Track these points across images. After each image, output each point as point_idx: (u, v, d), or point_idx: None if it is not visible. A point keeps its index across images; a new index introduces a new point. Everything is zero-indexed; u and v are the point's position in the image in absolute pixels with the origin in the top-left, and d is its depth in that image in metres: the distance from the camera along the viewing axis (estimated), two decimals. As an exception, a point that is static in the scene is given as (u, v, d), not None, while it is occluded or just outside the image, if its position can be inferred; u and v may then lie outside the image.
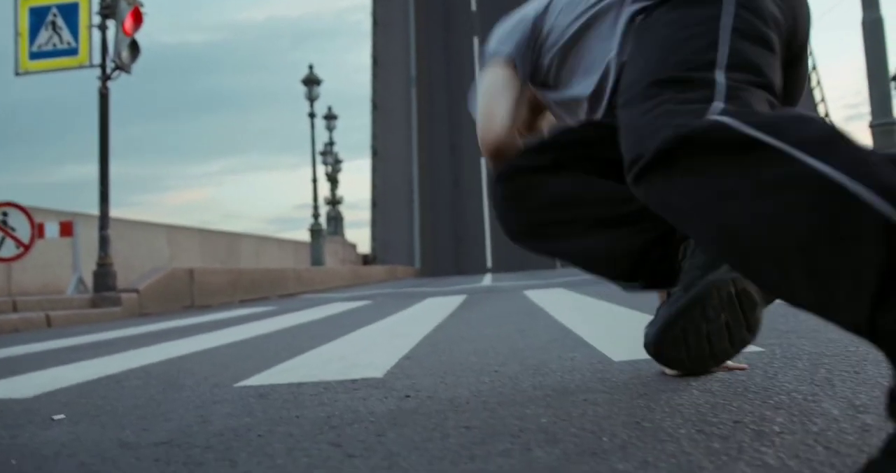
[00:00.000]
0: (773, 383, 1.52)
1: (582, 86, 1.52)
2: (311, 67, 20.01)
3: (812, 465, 0.94)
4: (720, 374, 1.65)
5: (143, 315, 7.50)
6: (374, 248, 31.59)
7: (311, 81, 20.01)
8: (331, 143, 29.76)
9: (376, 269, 23.09)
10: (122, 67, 8.98)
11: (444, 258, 31.24)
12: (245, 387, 2.02)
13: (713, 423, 1.21)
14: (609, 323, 3.12)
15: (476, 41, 35.11)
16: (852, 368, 1.62)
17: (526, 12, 1.62)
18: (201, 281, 8.94)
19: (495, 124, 1.49)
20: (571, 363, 2.04)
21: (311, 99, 19.88)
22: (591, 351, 2.26)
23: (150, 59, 12.45)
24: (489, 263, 31.13)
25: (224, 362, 2.71)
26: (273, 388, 1.97)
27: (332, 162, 30.10)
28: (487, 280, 14.37)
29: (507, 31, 1.61)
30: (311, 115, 20.03)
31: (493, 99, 1.52)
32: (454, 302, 6.23)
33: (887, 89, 10.81)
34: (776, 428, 1.14)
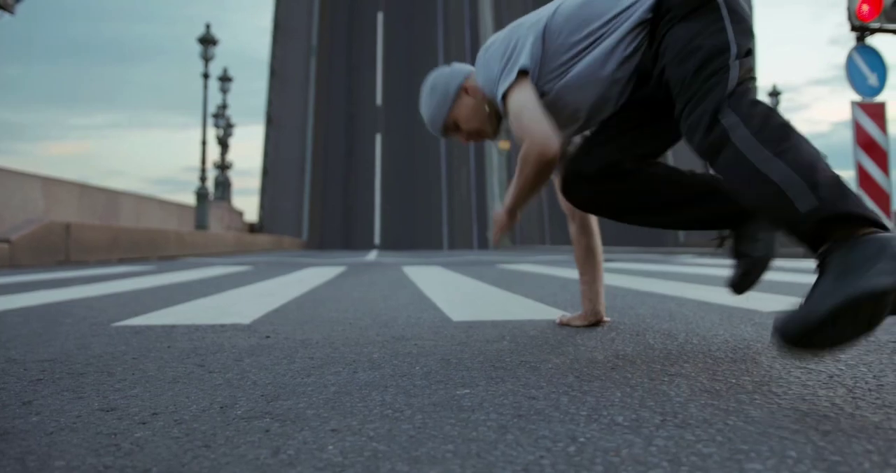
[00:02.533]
0: (569, 340, 1.88)
1: (583, 98, 1.79)
2: (207, 26, 19.57)
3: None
4: (532, 333, 2.01)
5: (13, 267, 7.37)
6: (261, 217, 31.21)
7: (207, 41, 19.57)
8: (224, 106, 29.10)
9: (262, 238, 22.91)
10: (4, 7, 8.66)
11: (333, 232, 31.27)
12: (122, 326, 2.23)
13: (505, 361, 1.54)
14: (465, 295, 3.46)
15: (381, 16, 35.06)
16: (636, 333, 2.00)
17: (535, 26, 1.80)
18: (78, 237, 8.79)
19: (553, 140, 1.69)
20: (416, 320, 2.35)
21: (206, 59, 19.47)
22: (437, 313, 2.59)
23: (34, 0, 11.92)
24: (377, 240, 31.38)
25: (102, 307, 2.88)
26: (148, 328, 2.19)
27: (223, 125, 29.44)
28: (372, 256, 14.63)
29: (529, 45, 1.78)
30: (205, 76, 19.62)
31: (541, 116, 1.71)
32: (333, 271, 6.47)
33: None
34: (549, 366, 1.49)
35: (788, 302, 2.82)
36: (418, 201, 32.24)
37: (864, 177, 9.25)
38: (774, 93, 30.89)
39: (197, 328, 2.18)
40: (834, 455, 0.86)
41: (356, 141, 33.26)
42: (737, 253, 1.80)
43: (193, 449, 0.92)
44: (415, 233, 30.73)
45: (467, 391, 1.24)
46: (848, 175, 9.37)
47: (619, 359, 1.55)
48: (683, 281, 4.38)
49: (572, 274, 5.41)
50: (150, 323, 2.32)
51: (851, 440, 0.92)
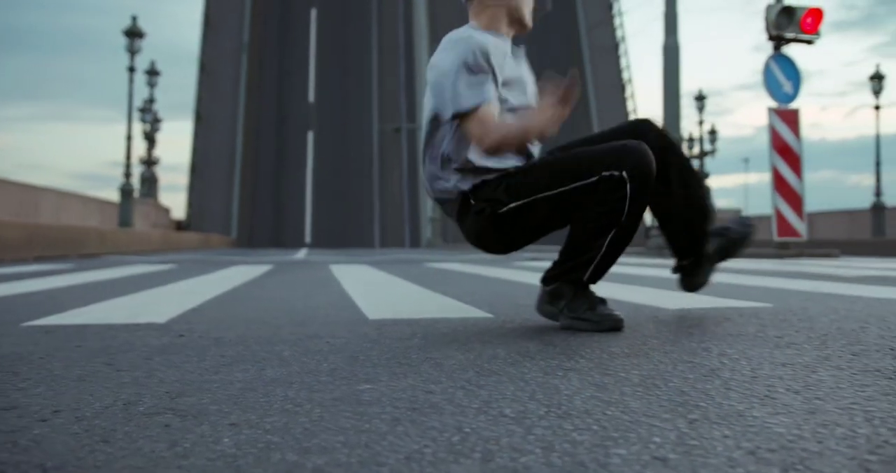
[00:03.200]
0: (477, 336, 1.95)
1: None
2: (134, 19, 19.09)
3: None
4: (443, 330, 2.07)
5: (-77, 264, 7.09)
6: (189, 215, 30.60)
7: (134, 33, 19.08)
8: (151, 101, 28.41)
9: (189, 236, 22.49)
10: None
11: (263, 230, 30.88)
12: (32, 326, 2.21)
13: (412, 358, 1.60)
14: (386, 294, 3.51)
15: (314, 13, 34.75)
16: (540, 329, 2.08)
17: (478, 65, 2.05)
18: (-7, 234, 8.50)
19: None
20: (333, 318, 2.39)
21: (133, 52, 18.99)
22: (355, 311, 2.63)
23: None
24: (308, 238, 31.12)
25: (12, 307, 2.83)
26: (59, 327, 2.17)
27: (150, 120, 28.75)
28: (302, 254, 14.54)
29: (479, 83, 2.03)
30: (131, 70, 19.14)
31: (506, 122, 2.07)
32: (259, 270, 6.43)
33: (677, 109, 12.06)
34: (452, 362, 1.55)
35: (693, 301, 2.95)
36: (350, 199, 32.11)
37: (779, 180, 9.65)
38: (700, 98, 31.84)
39: (110, 327, 2.17)
40: (693, 440, 0.94)
41: (287, 138, 32.90)
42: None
43: (91, 445, 0.94)
44: (346, 231, 30.60)
45: (369, 386, 1.29)
46: (769, 177, 9.72)
47: (520, 356, 1.62)
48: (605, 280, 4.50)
49: (495, 272, 5.51)
50: (61, 322, 2.29)
51: (713, 426, 1.01)
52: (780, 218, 9.57)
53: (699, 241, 2.32)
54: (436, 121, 2.11)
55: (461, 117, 2.01)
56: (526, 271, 5.70)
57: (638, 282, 4.29)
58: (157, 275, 5.54)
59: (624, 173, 1.96)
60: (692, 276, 2.40)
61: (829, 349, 1.68)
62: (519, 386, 1.29)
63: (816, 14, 9.66)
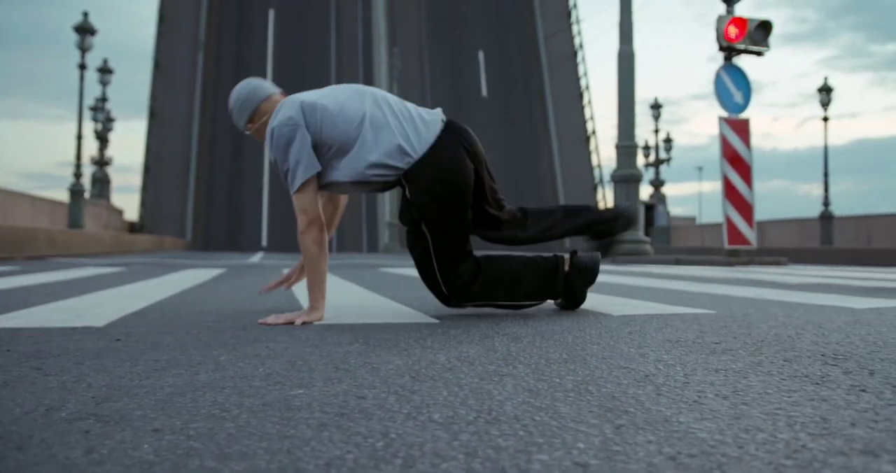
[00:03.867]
0: (418, 343, 1.95)
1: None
2: (85, 14, 18.71)
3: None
4: (386, 335, 2.06)
5: None
6: (142, 216, 30.07)
7: (85, 30, 18.70)
8: (103, 99, 27.91)
9: (142, 238, 22.09)
10: None
11: (218, 232, 30.46)
12: (-37, 329, 2.14)
13: (350, 363, 1.59)
14: (336, 298, 3.48)
15: (272, 13, 34.47)
16: (485, 335, 2.09)
17: (300, 136, 2.45)
18: (-66, 234, 8.25)
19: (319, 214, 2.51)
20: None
21: (84, 49, 18.61)
22: (301, 315, 2.60)
23: None
24: (265, 242, 30.79)
25: (-54, 309, 2.74)
26: (-8, 330, 2.11)
27: (102, 119, 28.27)
28: (257, 258, 14.38)
29: (305, 154, 2.45)
30: (82, 67, 18.77)
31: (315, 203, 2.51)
32: (210, 274, 6.35)
33: (632, 116, 12.21)
34: (390, 367, 1.54)
35: (638, 307, 2.98)
36: (308, 202, 31.85)
37: (729, 188, 9.83)
38: (655, 106, 32.31)
39: (45, 331, 2.12)
40: (617, 446, 0.95)
41: (244, 139, 32.49)
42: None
43: (4, 451, 0.91)
44: (303, 234, 30.30)
45: (301, 391, 1.28)
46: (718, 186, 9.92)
47: (460, 361, 1.62)
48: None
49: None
50: (-5, 325, 2.23)
51: (639, 432, 1.02)
52: (731, 226, 9.75)
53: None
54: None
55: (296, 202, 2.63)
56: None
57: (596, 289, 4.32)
58: (105, 278, 5.42)
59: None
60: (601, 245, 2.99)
61: (763, 355, 1.71)
62: (452, 391, 1.29)
63: (740, 23, 9.84)
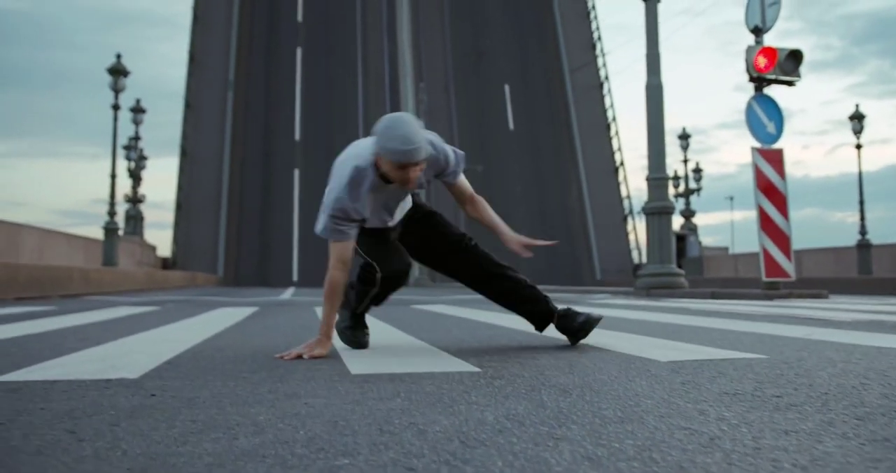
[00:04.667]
0: (464, 397, 1.87)
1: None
2: (118, 56, 19.12)
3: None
4: (428, 388, 1.99)
5: None
6: (175, 252, 30.38)
7: (119, 71, 19.10)
8: (136, 138, 28.39)
9: (175, 275, 22.28)
10: None
11: (249, 268, 30.64)
12: (-3, 383, 2.10)
13: (395, 424, 1.51)
14: (370, 341, 3.42)
15: (300, 52, 35.00)
16: (532, 387, 2.01)
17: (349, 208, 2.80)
18: (-29, 275, 8.35)
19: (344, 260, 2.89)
20: (314, 373, 2.30)
21: (117, 90, 18.99)
22: (337, 364, 2.54)
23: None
24: (295, 277, 30.89)
25: (-19, 359, 2.72)
26: (26, 384, 2.07)
27: (135, 158, 28.71)
28: (288, 293, 14.39)
29: (343, 223, 2.83)
30: (116, 107, 19.14)
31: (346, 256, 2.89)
32: (243, 313, 6.32)
33: (663, 148, 12.12)
34: (437, 429, 1.47)
35: (684, 351, 2.88)
36: (337, 237, 31.95)
37: (765, 219, 9.66)
38: (684, 136, 32.16)
39: (79, 384, 2.07)
40: (699, 534, 0.86)
41: (274, 176, 32.85)
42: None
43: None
44: (333, 269, 30.35)
45: (346, 461, 1.21)
46: (754, 215, 9.73)
47: (509, 420, 1.54)
48: (597, 328, 4.42)
49: (482, 316, 5.42)
50: (28, 378, 2.19)
51: (719, 514, 0.93)
52: (768, 258, 9.56)
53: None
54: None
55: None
56: (512, 315, 5.60)
57: (627, 328, 4.22)
58: (139, 319, 5.42)
59: (379, 274, 3.03)
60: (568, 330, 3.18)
61: (832, 412, 1.61)
62: (507, 460, 1.21)
63: (770, 53, 9.74)
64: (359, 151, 2.82)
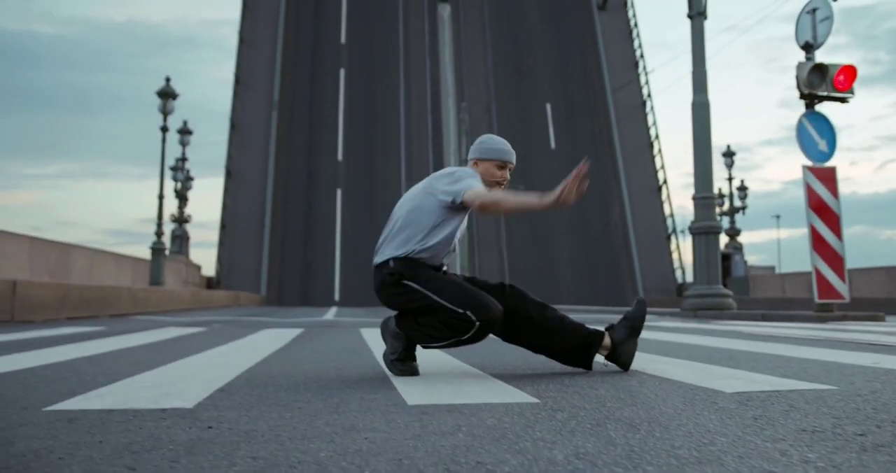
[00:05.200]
0: (528, 432, 1.80)
1: None
2: (167, 80, 19.51)
3: (512, 497, 1.19)
4: (489, 421, 1.93)
5: (-47, 326, 7.07)
6: (219, 272, 30.73)
7: (167, 94, 19.49)
8: (183, 159, 28.94)
9: (219, 294, 22.52)
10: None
11: (292, 287, 30.85)
12: (54, 411, 2.09)
13: (461, 463, 1.46)
14: (421, 369, 3.37)
15: (343, 73, 35.39)
16: (597, 422, 1.93)
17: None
18: (24, 295, 8.51)
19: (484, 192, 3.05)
20: (370, 403, 2.25)
21: (165, 113, 19.37)
22: (392, 393, 2.49)
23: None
24: (337, 296, 31.01)
25: (36, 384, 2.73)
26: (83, 413, 2.06)
27: (182, 178, 29.24)
28: (331, 313, 14.43)
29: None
30: (164, 130, 19.51)
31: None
32: (289, 334, 6.32)
33: (709, 167, 11.94)
34: (506, 469, 1.41)
35: (749, 381, 2.78)
36: (378, 256, 32.02)
37: (817, 239, 9.42)
38: (728, 154, 31.73)
39: (135, 413, 2.05)
40: None
41: (317, 195, 33.14)
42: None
43: None
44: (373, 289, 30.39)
45: (418, 507, 1.15)
46: (806, 232, 9.48)
47: (580, 459, 1.47)
48: (642, 350, 4.32)
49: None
50: (85, 406, 2.18)
51: None
52: (821, 278, 9.31)
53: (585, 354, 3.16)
54: (414, 216, 3.04)
55: (465, 195, 2.96)
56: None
57: (682, 354, 4.11)
58: (187, 340, 5.44)
59: (477, 322, 2.87)
60: (620, 360, 3.18)
61: (925, 454, 1.51)
62: (587, 508, 1.14)
63: (849, 72, 9.56)
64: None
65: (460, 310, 2.87)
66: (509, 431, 1.79)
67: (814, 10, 9.56)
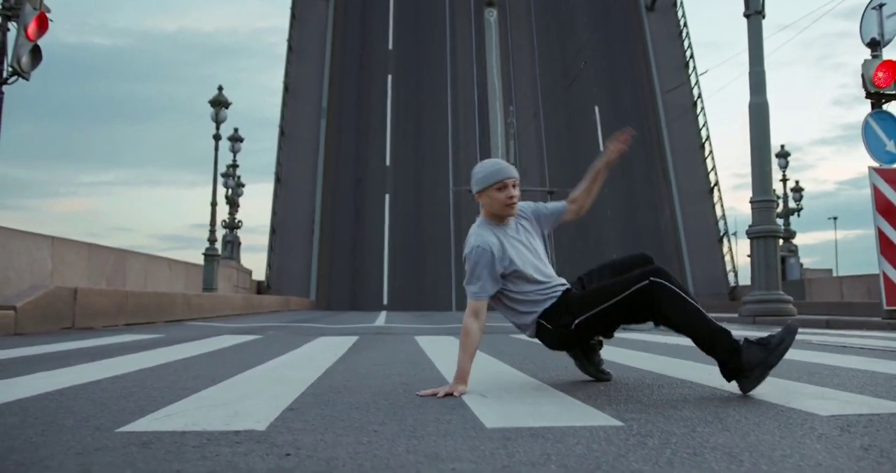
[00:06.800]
0: (622, 462, 1.70)
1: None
2: (220, 89, 19.79)
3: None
4: (578, 449, 1.83)
5: (17, 334, 7.20)
6: (268, 276, 31.07)
7: (220, 103, 19.78)
8: (234, 165, 29.31)
9: (269, 299, 22.74)
10: (20, 73, 8.71)
11: (341, 292, 31.04)
12: (127, 433, 2.05)
13: (560, 500, 1.36)
14: (491, 385, 3.27)
15: (390, 79, 35.54)
16: (693, 450, 1.82)
17: (487, 263, 3.02)
18: (84, 302, 8.64)
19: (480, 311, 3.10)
20: (447, 425, 2.17)
21: (218, 121, 19.65)
22: (467, 414, 2.40)
23: (49, 58, 11.86)
24: (385, 300, 31.10)
25: (105, 401, 2.70)
26: (156, 436, 2.01)
27: (233, 185, 29.61)
28: (381, 319, 14.43)
29: (486, 278, 3.04)
30: (217, 138, 19.78)
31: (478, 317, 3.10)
32: (344, 343, 6.28)
33: (768, 169, 11.64)
34: (612, 509, 1.30)
35: (841, 402, 2.62)
36: (426, 261, 32.10)
37: (885, 243, 9.08)
38: (782, 155, 30.99)
39: (209, 437, 1.99)
40: None
41: (365, 201, 33.32)
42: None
43: None
44: (423, 293, 30.48)
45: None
46: (864, 233, 9.16)
47: (691, 500, 1.36)
48: (693, 359, 4.16)
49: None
50: (157, 427, 2.13)
51: None
52: (890, 284, 8.97)
53: (722, 355, 2.80)
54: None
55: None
56: (623, 348, 5.38)
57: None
58: (244, 349, 5.44)
59: (648, 279, 2.80)
60: (741, 382, 2.79)
61: None
62: None
63: (891, 67, 9.19)
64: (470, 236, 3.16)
65: (629, 291, 2.82)
66: (602, 462, 1.69)
67: (881, 6, 9.24)
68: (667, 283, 2.78)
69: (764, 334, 2.88)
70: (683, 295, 2.80)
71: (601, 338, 3.25)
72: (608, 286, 2.91)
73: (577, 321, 2.93)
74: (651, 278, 2.79)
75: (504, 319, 3.29)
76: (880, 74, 9.13)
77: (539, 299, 3.05)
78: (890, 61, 9.20)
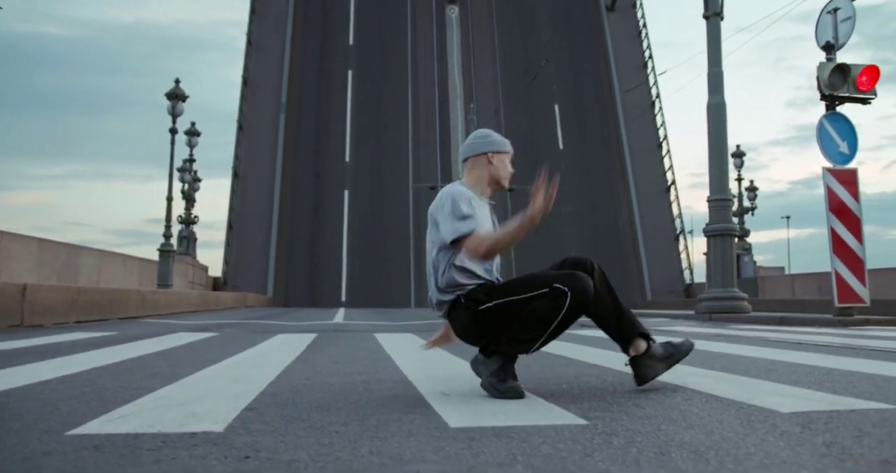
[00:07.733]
0: (589, 462, 1.68)
1: None
2: (177, 82, 19.44)
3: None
4: (544, 449, 1.80)
5: (-37, 332, 6.97)
6: (225, 273, 30.66)
7: (176, 96, 19.42)
8: (190, 160, 28.85)
9: (226, 296, 22.42)
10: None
11: (299, 288, 30.78)
12: (78, 436, 1.97)
13: (528, 503, 1.33)
14: (452, 383, 3.24)
15: (350, 74, 35.31)
16: (659, 449, 1.81)
17: (467, 202, 2.82)
18: (33, 298, 8.40)
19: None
20: (409, 426, 2.13)
21: (174, 115, 19.30)
22: (430, 413, 2.36)
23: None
24: (344, 297, 30.93)
25: (55, 402, 2.61)
26: (109, 439, 1.93)
27: (189, 180, 29.14)
28: (340, 316, 14.32)
29: (469, 219, 2.79)
30: (173, 132, 19.44)
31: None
32: (303, 341, 6.21)
33: (725, 169, 11.81)
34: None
35: (800, 399, 2.65)
36: (385, 258, 31.97)
37: (837, 242, 9.26)
38: (737, 155, 31.50)
39: (164, 439, 1.93)
40: None
41: (324, 196, 33.06)
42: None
43: None
44: (381, 290, 30.35)
45: None
46: (815, 232, 9.37)
47: (660, 501, 1.35)
48: (703, 367, 4.19)
49: (552, 346, 5.18)
50: (110, 430, 2.06)
51: None
52: (841, 282, 9.16)
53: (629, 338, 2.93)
54: (441, 252, 2.84)
55: (459, 241, 2.76)
56: (583, 345, 5.40)
57: (718, 365, 3.98)
58: (200, 347, 5.33)
59: (568, 290, 2.66)
60: (641, 370, 2.91)
61: None
62: None
63: (872, 72, 9.41)
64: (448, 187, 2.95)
65: (545, 289, 2.66)
66: (569, 461, 1.67)
67: (835, 10, 9.42)
68: (569, 292, 2.65)
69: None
70: (584, 305, 2.74)
71: (520, 353, 2.82)
72: (526, 280, 2.78)
73: (487, 305, 2.74)
74: (554, 284, 2.68)
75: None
76: (863, 78, 9.29)
77: (482, 274, 2.85)
78: (873, 66, 9.38)
